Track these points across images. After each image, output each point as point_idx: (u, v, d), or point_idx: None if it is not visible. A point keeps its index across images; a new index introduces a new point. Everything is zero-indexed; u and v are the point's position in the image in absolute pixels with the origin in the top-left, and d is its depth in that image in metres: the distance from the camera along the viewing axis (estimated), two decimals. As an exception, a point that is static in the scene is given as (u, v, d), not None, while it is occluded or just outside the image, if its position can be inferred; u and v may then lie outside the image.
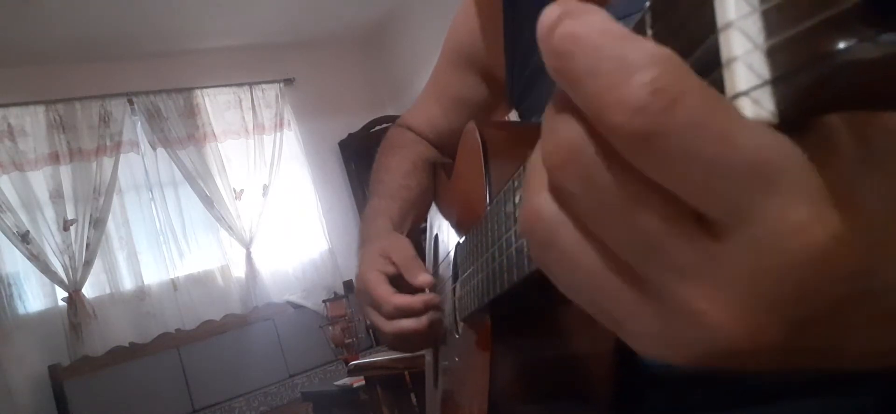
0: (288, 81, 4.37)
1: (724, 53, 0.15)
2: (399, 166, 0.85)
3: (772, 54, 0.14)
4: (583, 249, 0.20)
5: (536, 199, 0.21)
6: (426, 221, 0.91)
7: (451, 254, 0.72)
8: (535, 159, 0.21)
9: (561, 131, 0.19)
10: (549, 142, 0.20)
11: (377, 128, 4.27)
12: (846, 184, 0.16)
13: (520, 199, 0.35)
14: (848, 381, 0.45)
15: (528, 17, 0.70)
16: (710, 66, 0.16)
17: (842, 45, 0.13)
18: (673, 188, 0.16)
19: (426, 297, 0.67)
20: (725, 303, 0.17)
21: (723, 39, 0.15)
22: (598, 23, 0.17)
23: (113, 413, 3.26)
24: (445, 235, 0.79)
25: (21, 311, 3.40)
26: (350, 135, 4.42)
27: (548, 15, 0.18)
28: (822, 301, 0.17)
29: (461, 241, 0.66)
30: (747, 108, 0.14)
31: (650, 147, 0.16)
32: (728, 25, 0.15)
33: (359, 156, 4.29)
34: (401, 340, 0.69)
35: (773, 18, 0.14)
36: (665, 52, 0.16)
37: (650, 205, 0.17)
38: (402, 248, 0.72)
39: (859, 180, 0.16)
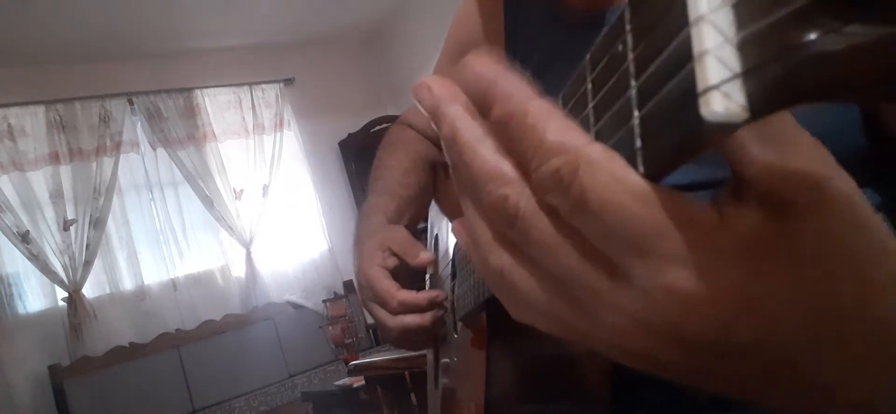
0: (288, 81, 4.37)
1: (696, 47, 0.15)
2: (398, 164, 0.85)
3: (742, 47, 0.14)
4: (524, 275, 0.24)
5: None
6: (426, 220, 0.91)
7: (451, 254, 0.72)
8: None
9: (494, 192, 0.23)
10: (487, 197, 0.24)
11: (377, 128, 4.26)
12: (738, 256, 0.18)
13: None
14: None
15: (528, 16, 0.70)
16: (681, 61, 0.15)
17: (810, 36, 0.13)
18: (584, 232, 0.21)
19: (431, 293, 0.67)
20: (619, 323, 0.21)
21: (694, 33, 0.15)
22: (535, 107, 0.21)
23: (113, 413, 3.26)
24: (445, 235, 0.79)
25: (21, 311, 3.40)
26: (350, 135, 4.42)
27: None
28: (685, 344, 0.20)
29: (460, 240, 0.66)
30: (718, 101, 0.14)
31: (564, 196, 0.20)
32: (700, 19, 0.15)
33: (359, 156, 4.29)
34: (405, 336, 0.69)
35: (743, 11, 0.14)
36: (571, 140, 0.20)
37: (570, 245, 0.22)
38: (399, 236, 0.71)
39: (762, 261, 0.19)
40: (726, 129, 0.14)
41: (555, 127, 0.20)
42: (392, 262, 0.70)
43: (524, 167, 0.22)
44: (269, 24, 4.03)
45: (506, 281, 0.25)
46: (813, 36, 0.12)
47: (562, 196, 0.20)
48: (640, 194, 0.19)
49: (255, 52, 4.27)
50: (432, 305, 0.66)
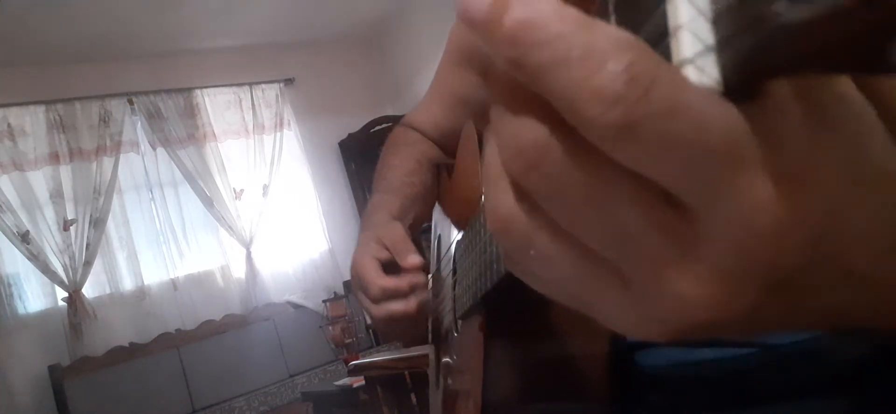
0: (288, 81, 4.37)
1: (672, 22, 0.15)
2: (402, 164, 0.85)
3: (716, 20, 0.14)
4: (558, 249, 0.20)
5: (504, 204, 0.20)
6: (431, 221, 0.91)
7: (452, 253, 0.72)
8: (492, 161, 0.21)
9: (523, 135, 0.18)
10: (509, 147, 0.19)
11: (377, 128, 4.27)
12: (798, 154, 0.16)
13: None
14: (848, 381, 0.44)
15: None
16: (660, 36, 0.16)
17: (780, 6, 0.13)
18: (649, 175, 0.16)
19: (412, 278, 0.66)
20: (702, 281, 0.17)
21: (670, 8, 0.15)
22: (552, 7, 0.16)
23: (113, 413, 3.26)
24: (447, 235, 0.79)
25: (21, 311, 3.40)
26: (350, 135, 4.42)
27: None
28: (786, 267, 0.17)
29: (460, 238, 0.66)
30: (692, 75, 0.14)
31: (628, 136, 0.15)
32: None
33: (359, 156, 4.29)
34: (390, 324, 0.68)
35: None
36: (630, 36, 0.15)
37: (623, 198, 0.17)
38: (393, 232, 0.71)
39: (812, 149, 0.17)
40: None
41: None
42: (385, 254, 0.70)
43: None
44: (269, 24, 4.04)
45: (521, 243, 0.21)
46: (782, 5, 0.13)
47: (631, 104, 0.15)
48: (724, 108, 0.15)
49: (255, 52, 4.27)
50: (414, 289, 0.66)
